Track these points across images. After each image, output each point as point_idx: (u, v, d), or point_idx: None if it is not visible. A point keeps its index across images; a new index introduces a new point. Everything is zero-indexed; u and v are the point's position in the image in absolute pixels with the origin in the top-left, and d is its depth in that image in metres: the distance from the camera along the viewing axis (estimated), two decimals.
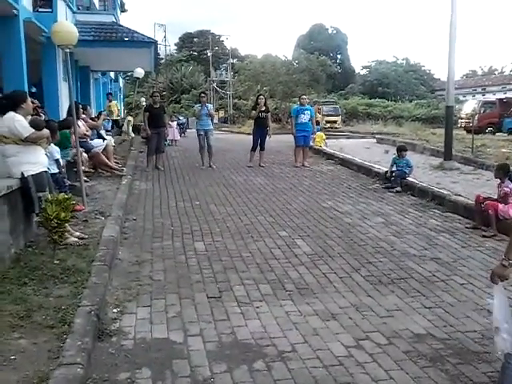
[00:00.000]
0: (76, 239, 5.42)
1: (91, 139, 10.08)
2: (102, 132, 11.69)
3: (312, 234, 6.39)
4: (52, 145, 6.50)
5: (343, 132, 27.82)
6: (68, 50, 7.26)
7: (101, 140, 10.50)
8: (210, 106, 12.49)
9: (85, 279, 4.29)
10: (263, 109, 11.93)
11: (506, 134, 22.28)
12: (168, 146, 15.46)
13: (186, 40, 67.50)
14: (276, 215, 7.31)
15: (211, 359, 3.30)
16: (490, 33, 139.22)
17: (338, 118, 34.74)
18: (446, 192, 8.19)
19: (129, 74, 33.36)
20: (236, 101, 45.45)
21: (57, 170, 6.71)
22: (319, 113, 31.18)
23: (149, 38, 15.68)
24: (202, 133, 11.70)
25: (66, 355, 3.01)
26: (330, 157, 13.49)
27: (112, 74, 27.87)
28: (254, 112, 12.18)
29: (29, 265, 4.62)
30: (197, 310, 4.07)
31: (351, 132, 27.61)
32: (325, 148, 14.94)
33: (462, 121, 25.60)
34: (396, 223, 6.93)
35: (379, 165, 11.17)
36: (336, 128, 31.47)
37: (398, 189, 9.07)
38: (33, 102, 6.84)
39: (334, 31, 64.32)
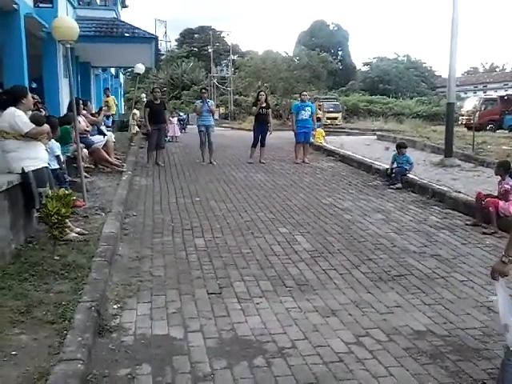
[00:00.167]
0: (76, 235, 5.42)
1: (91, 135, 10.07)
2: (103, 128, 11.67)
3: (312, 230, 6.39)
4: (52, 140, 6.49)
5: (344, 129, 27.81)
6: (69, 46, 7.23)
7: (101, 136, 10.49)
8: (211, 102, 12.46)
9: (85, 275, 4.30)
10: (264, 105, 11.91)
11: (506, 131, 22.28)
12: (168, 142, 15.46)
13: (187, 36, 67.37)
14: (276, 211, 7.31)
15: (211, 355, 3.31)
16: (492, 29, 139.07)
17: (339, 115, 34.71)
18: (446, 189, 8.19)
19: (129, 69, 33.30)
20: (237, 97, 45.39)
21: (57, 166, 6.71)
22: (320, 109, 31.16)
23: (149, 33, 15.67)
24: (203, 129, 11.69)
25: (66, 351, 3.02)
26: (330, 153, 13.48)
27: (113, 70, 27.82)
28: (254, 108, 12.16)
29: (29, 260, 4.62)
30: (197, 306, 4.07)
31: (352, 129, 27.58)
32: (325, 144, 14.93)
33: (463, 118, 25.57)
34: (396, 220, 6.93)
35: (379, 161, 11.17)
36: (336, 125, 31.44)
37: (399, 185, 9.07)
38: (33, 98, 6.84)
39: (335, 27, 64.21)
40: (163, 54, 48.94)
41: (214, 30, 58.88)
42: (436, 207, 7.64)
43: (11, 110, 5.14)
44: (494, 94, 33.09)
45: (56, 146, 6.83)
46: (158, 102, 11.63)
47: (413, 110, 39.94)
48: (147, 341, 3.49)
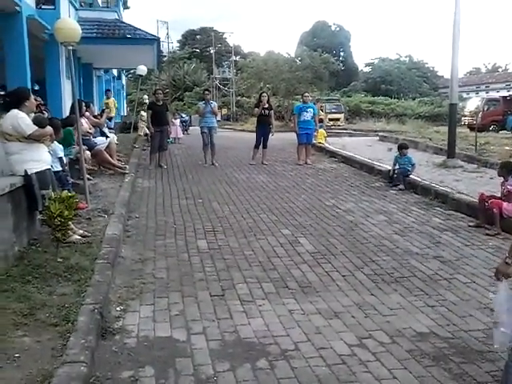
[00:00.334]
0: (79, 237, 5.42)
1: (94, 137, 10.08)
2: (105, 129, 11.69)
3: (315, 232, 6.39)
4: (55, 142, 6.51)
5: (346, 129, 27.77)
6: (71, 47, 7.24)
7: (104, 138, 10.50)
8: (214, 103, 12.47)
9: (88, 277, 4.30)
10: (266, 106, 11.92)
11: (509, 132, 22.19)
12: (171, 143, 15.46)
13: (189, 37, 67.42)
14: (278, 213, 7.31)
15: (214, 357, 3.31)
16: (494, 30, 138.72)
17: (341, 116, 34.62)
18: (449, 190, 8.18)
19: (131, 71, 33.34)
20: (239, 98, 45.39)
21: (60, 168, 6.70)
22: (322, 110, 31.13)
23: (151, 35, 15.68)
24: (205, 130, 11.69)
25: (69, 353, 3.02)
26: (332, 154, 13.49)
27: (115, 72, 27.86)
28: (256, 109, 12.17)
29: (32, 263, 4.62)
30: (200, 309, 4.07)
31: (354, 130, 27.55)
32: (327, 145, 14.92)
33: (466, 118, 25.51)
34: (399, 221, 6.92)
35: (382, 163, 11.15)
36: (339, 125, 31.40)
37: (401, 187, 9.06)
38: (36, 100, 6.85)
39: (337, 28, 64.12)
40: (165, 56, 49.03)
41: (215, 32, 58.99)
42: (439, 208, 7.63)
43: (14, 112, 5.16)
44: (496, 95, 33.00)
45: (59, 148, 6.83)
46: (161, 103, 11.63)
47: (415, 110, 39.81)
48: (150, 343, 3.49)
